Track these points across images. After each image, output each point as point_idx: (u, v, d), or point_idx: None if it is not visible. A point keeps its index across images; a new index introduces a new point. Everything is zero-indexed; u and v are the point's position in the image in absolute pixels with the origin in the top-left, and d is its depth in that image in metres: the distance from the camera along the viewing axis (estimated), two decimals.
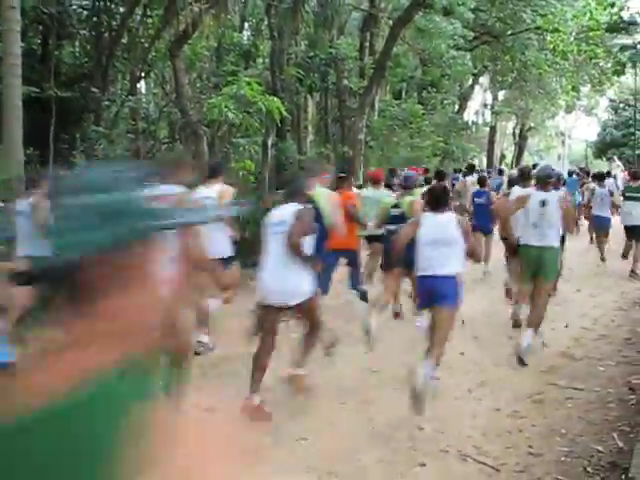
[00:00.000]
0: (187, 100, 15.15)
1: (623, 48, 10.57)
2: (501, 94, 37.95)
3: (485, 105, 41.30)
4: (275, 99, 13.28)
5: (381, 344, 7.13)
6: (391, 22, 20.03)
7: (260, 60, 21.50)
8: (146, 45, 15.14)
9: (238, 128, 15.91)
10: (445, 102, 28.40)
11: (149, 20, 15.29)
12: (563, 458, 4.74)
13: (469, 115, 39.70)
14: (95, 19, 13.30)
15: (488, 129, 39.40)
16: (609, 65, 24.27)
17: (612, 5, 18.60)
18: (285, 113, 14.24)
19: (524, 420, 5.49)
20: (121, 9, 13.87)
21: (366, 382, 6.32)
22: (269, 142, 17.72)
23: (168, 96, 18.78)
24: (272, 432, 5.10)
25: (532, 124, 43.79)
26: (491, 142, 38.85)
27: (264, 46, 21.43)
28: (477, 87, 37.10)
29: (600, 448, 4.80)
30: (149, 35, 15.20)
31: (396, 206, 8.12)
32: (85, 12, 13.41)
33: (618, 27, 12.11)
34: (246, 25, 23.18)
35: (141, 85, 20.99)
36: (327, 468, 4.42)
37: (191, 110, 15.07)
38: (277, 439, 4.97)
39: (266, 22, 19.96)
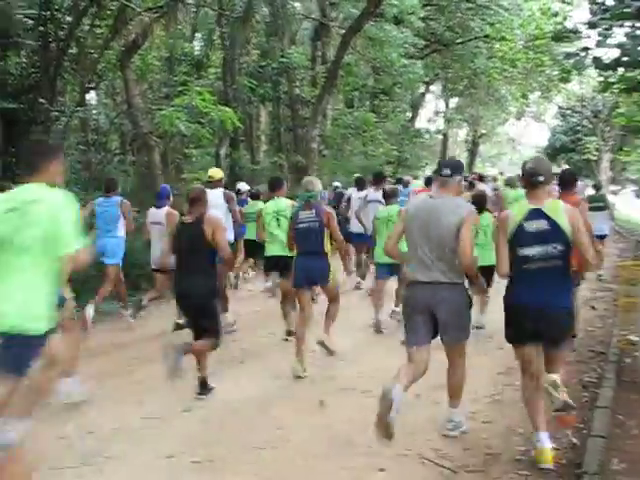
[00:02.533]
0: (138, 111, 15.01)
1: (567, 56, 10.77)
2: (453, 102, 38.49)
3: (437, 113, 41.81)
4: (228, 109, 13.26)
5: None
6: (342, 31, 20.15)
7: (212, 70, 21.44)
8: (95, 55, 14.96)
9: (191, 139, 15.82)
10: (397, 110, 28.66)
11: (98, 30, 15.11)
12: (520, 457, 4.78)
13: (421, 123, 40.12)
14: (41, 29, 13.06)
15: (441, 136, 39.85)
16: (556, 72, 24.75)
17: (556, 15, 19.02)
18: (238, 123, 14.22)
19: (482, 421, 5.53)
20: (68, 18, 13.67)
21: (322, 388, 6.31)
22: (222, 152, 17.68)
23: (119, 107, 18.59)
24: (226, 442, 5.06)
25: (483, 131, 44.48)
26: (444, 149, 39.30)
27: (216, 56, 21.38)
28: (429, 95, 37.59)
29: (555, 445, 4.85)
30: (98, 45, 15.02)
31: None
32: (31, 21, 13.16)
33: (562, 36, 12.33)
34: (197, 35, 23.10)
35: (91, 96, 20.74)
36: (285, 477, 4.38)
37: (142, 121, 14.93)
38: (232, 449, 4.92)
39: (217, 32, 19.93)
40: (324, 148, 20.60)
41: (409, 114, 32.68)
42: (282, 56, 19.90)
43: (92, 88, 17.45)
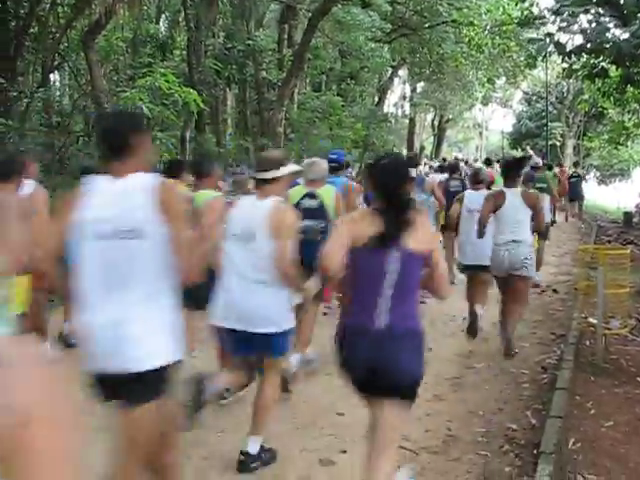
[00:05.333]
0: (102, 93, 14.80)
1: (531, 41, 10.86)
2: (419, 86, 38.50)
3: (404, 97, 41.84)
4: (192, 91, 13.13)
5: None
6: (309, 14, 20.04)
7: (177, 52, 21.20)
8: (57, 35, 14.71)
9: (155, 121, 15.67)
10: (364, 94, 28.65)
11: (60, 9, 14.83)
12: (480, 438, 4.85)
13: (389, 107, 40.18)
14: (0, 6, 12.80)
15: (408, 121, 39.91)
16: (522, 58, 24.92)
17: (523, 0, 19.11)
18: (203, 105, 14.10)
19: (443, 403, 5.59)
20: None
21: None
22: (187, 135, 17.54)
23: (82, 88, 18.31)
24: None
25: (450, 116, 44.59)
26: (411, 134, 39.39)
27: (181, 38, 21.14)
28: (396, 79, 37.53)
29: (514, 426, 4.91)
30: (60, 25, 14.75)
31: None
32: None
33: (528, 21, 12.43)
34: (163, 16, 22.81)
35: (55, 77, 20.41)
36: None
37: (106, 103, 14.74)
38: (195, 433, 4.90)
39: (183, 13, 19.69)
40: (290, 132, 20.51)
41: (376, 98, 32.67)
42: (248, 38, 19.73)
43: (55, 68, 17.18)
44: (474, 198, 7.59)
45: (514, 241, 6.47)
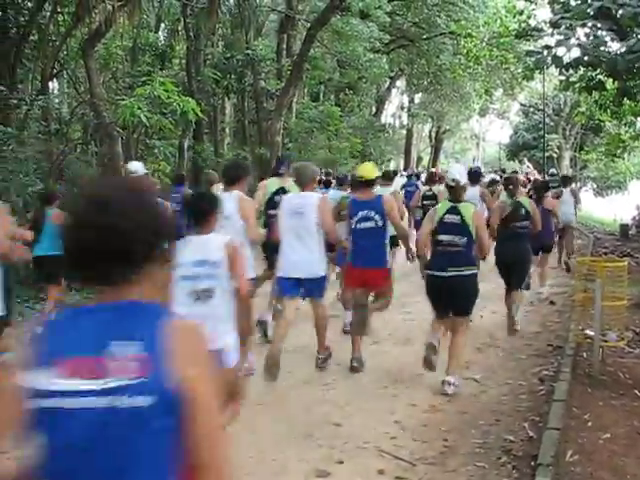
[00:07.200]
0: (101, 101, 14.79)
1: (529, 53, 10.93)
2: (417, 97, 38.63)
3: (402, 108, 41.97)
4: (190, 100, 13.13)
5: (296, 343, 7.13)
6: (308, 24, 20.11)
7: (176, 61, 21.24)
8: (57, 43, 14.73)
9: (154, 130, 15.68)
10: (362, 104, 28.72)
11: (60, 17, 14.86)
12: (477, 450, 4.83)
13: (386, 118, 40.27)
14: (0, 14, 12.83)
15: (405, 131, 39.99)
16: (519, 70, 25.04)
17: (520, 13, 19.22)
18: (201, 114, 14.10)
19: (440, 414, 5.57)
20: (29, 4, 13.45)
21: (282, 382, 6.28)
22: (185, 144, 17.55)
23: (81, 96, 18.30)
24: None
25: (448, 127, 44.73)
26: (408, 144, 39.47)
27: (180, 47, 21.18)
28: (394, 90, 37.69)
29: (512, 438, 4.90)
30: (60, 33, 14.78)
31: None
32: None
33: (526, 34, 12.48)
34: (162, 25, 22.84)
35: (54, 85, 20.41)
36: (245, 469, 4.38)
37: (105, 111, 14.72)
38: None
39: (182, 22, 19.73)
40: (288, 141, 20.54)
41: (374, 109, 32.77)
42: (247, 48, 19.78)
43: (54, 76, 17.17)
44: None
45: (568, 212, 12.31)
